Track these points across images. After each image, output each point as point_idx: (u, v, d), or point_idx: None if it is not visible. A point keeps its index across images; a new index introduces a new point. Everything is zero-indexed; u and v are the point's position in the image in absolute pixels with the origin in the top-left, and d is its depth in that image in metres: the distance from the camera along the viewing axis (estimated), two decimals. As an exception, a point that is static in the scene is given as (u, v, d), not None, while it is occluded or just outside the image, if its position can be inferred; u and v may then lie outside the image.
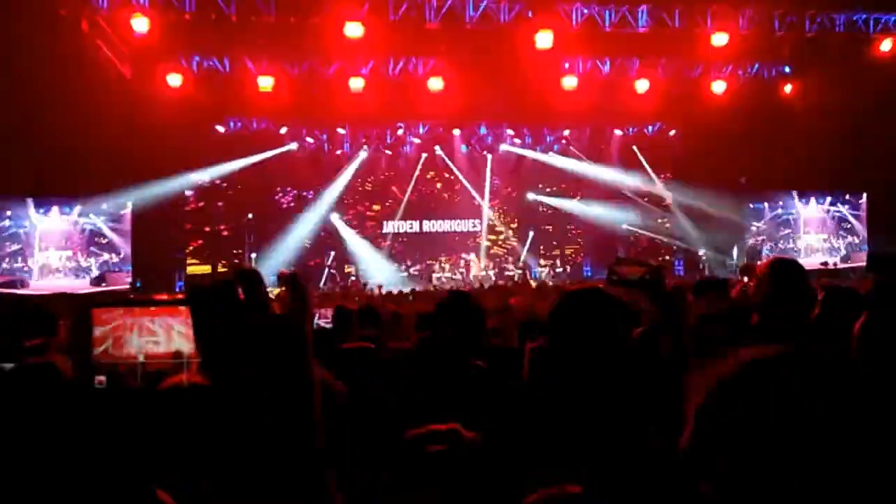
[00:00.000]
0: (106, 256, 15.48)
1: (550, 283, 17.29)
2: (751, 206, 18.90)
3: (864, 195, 18.66)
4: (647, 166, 19.67)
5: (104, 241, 15.49)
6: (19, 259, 14.95)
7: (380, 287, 15.97)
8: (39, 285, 14.74)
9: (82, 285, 15.03)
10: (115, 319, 1.38)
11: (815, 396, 0.93)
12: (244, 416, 0.85)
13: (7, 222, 14.90)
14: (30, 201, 14.94)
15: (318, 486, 1.13)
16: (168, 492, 1.49)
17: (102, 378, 1.42)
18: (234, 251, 18.48)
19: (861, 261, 16.38)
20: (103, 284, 15.02)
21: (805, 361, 0.98)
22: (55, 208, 15.28)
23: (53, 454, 1.42)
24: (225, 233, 18.73)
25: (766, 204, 18.90)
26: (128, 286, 15.13)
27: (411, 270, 19.16)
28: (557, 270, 19.87)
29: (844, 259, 18.34)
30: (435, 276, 18.81)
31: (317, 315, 6.91)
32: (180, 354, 1.42)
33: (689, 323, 2.63)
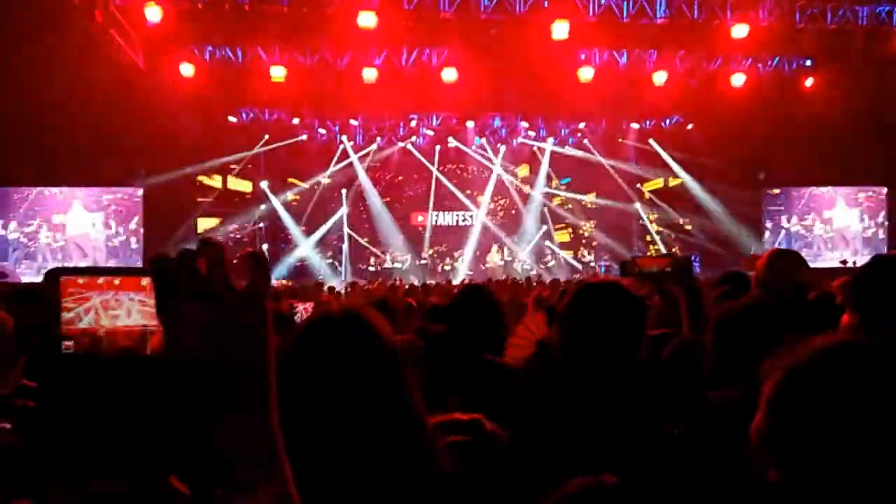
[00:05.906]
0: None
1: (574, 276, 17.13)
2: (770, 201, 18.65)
3: (885, 189, 18.41)
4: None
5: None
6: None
7: (401, 279, 15.89)
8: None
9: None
10: (79, 291, 1.34)
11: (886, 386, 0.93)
12: (200, 390, 0.79)
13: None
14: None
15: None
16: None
17: (70, 343, 1.40)
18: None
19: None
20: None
21: (877, 352, 0.96)
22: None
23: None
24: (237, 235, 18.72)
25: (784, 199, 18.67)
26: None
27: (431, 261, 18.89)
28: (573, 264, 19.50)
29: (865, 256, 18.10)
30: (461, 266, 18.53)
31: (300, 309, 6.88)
32: (144, 329, 1.39)
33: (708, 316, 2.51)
